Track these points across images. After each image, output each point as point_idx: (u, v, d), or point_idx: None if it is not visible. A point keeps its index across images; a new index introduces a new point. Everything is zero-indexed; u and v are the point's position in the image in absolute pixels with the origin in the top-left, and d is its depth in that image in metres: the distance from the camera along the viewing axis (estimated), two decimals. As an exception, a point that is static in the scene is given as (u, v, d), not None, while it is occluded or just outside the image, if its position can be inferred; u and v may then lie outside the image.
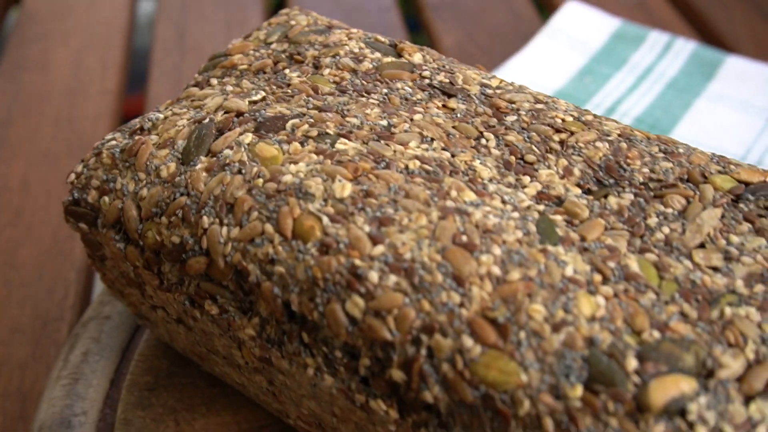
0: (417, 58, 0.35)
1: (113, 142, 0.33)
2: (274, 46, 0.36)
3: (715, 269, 0.26)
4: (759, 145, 0.54)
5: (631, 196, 0.29)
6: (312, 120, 0.31)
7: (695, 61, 0.62)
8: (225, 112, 0.32)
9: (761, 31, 0.67)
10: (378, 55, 0.35)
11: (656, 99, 0.59)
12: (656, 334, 0.24)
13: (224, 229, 0.29)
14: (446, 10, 0.70)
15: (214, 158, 0.30)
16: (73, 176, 0.33)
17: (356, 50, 0.35)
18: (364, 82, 0.34)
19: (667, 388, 0.23)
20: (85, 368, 0.39)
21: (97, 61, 0.66)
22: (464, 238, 0.26)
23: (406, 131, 0.31)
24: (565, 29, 0.66)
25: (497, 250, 0.26)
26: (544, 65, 0.62)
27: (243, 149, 0.30)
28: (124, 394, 0.37)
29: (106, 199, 0.32)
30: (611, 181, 0.29)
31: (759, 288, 0.25)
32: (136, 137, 0.32)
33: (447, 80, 0.34)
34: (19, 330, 0.45)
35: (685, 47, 0.63)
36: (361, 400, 0.27)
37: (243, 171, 0.29)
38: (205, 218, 0.29)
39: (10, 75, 0.66)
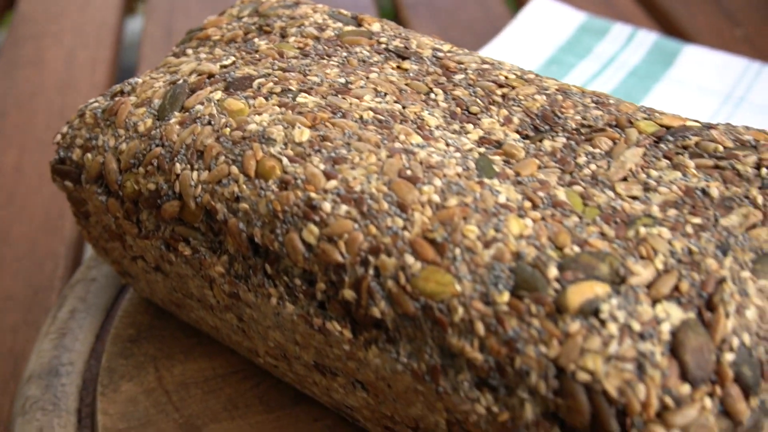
0: (375, 27, 0.38)
1: (95, 104, 0.36)
2: (245, 19, 0.39)
3: (635, 198, 0.29)
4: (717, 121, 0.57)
5: (564, 140, 0.32)
6: (276, 79, 0.34)
7: (656, 50, 0.65)
8: (198, 75, 0.35)
9: (720, 25, 0.71)
10: (340, 24, 0.38)
11: (618, 85, 0.62)
12: (576, 248, 0.27)
13: (195, 174, 0.32)
14: (421, 8, 0.74)
15: (187, 113, 0.33)
16: (59, 137, 0.36)
17: (320, 21, 0.38)
18: (325, 47, 0.37)
19: (582, 292, 0.26)
20: (72, 324, 0.42)
21: (87, 57, 0.70)
22: (408, 172, 0.29)
23: (362, 87, 0.34)
24: (533, 23, 0.69)
25: (438, 182, 0.29)
26: (512, 56, 0.65)
27: (213, 104, 0.33)
28: (108, 346, 0.40)
29: (89, 155, 0.35)
30: (546, 127, 0.32)
31: (672, 212, 0.28)
32: (117, 98, 0.35)
33: (402, 45, 0.37)
34: (11, 298, 0.47)
35: (647, 38, 0.67)
36: (318, 323, 0.30)
37: (212, 122, 0.32)
38: (177, 165, 0.32)
39: (6, 72, 0.69)
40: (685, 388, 0.24)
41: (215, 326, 0.37)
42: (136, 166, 0.33)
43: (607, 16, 0.72)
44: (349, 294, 0.28)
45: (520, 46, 0.66)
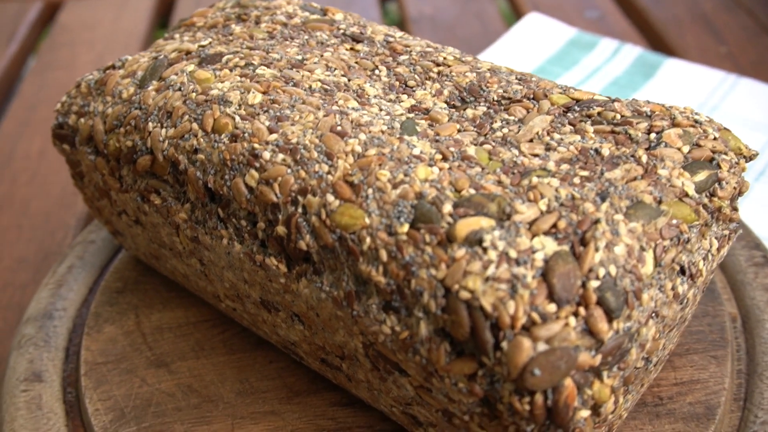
0: (338, 16, 0.43)
1: (90, 77, 0.41)
2: (227, 10, 0.45)
3: (536, 155, 0.33)
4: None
5: (484, 108, 0.36)
6: (242, 55, 0.39)
7: (639, 62, 0.69)
8: (177, 52, 0.41)
9: (706, 43, 0.74)
10: (307, 14, 0.43)
11: (599, 93, 0.66)
12: (472, 191, 0.31)
13: (163, 131, 0.37)
14: (425, 23, 0.79)
15: (163, 82, 0.39)
16: (59, 105, 0.42)
17: (290, 11, 0.43)
18: (291, 31, 0.42)
19: (470, 225, 0.30)
20: (69, 278, 0.47)
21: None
22: (339, 128, 0.34)
23: (315, 63, 0.39)
24: (525, 35, 0.74)
25: (363, 136, 0.33)
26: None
27: (185, 74, 0.38)
28: (97, 295, 0.45)
29: (82, 120, 0.40)
30: (472, 98, 0.37)
31: (565, 166, 0.32)
32: (107, 71, 0.41)
33: (358, 31, 0.42)
34: (24, 260, 0.53)
35: (632, 51, 0.71)
36: (259, 259, 0.34)
37: (182, 89, 0.38)
38: (150, 124, 0.37)
39: (40, 72, 0.76)
40: (551, 307, 0.28)
41: (185, 274, 0.42)
42: (118, 126, 0.38)
43: (602, 34, 0.76)
44: (281, 230, 0.33)
45: (509, 56, 0.71)
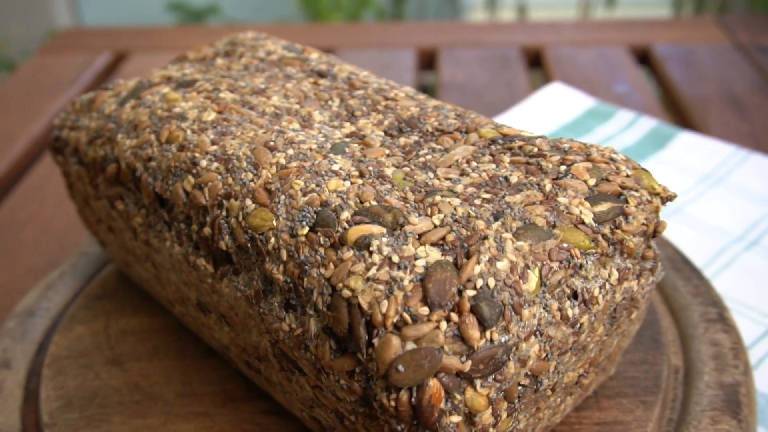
0: (313, 56, 0.47)
1: (85, 96, 0.46)
2: (219, 47, 0.49)
3: (449, 179, 0.35)
4: (690, 200, 0.61)
5: (416, 138, 0.38)
6: (213, 82, 0.43)
7: (652, 133, 0.70)
8: (161, 77, 0.45)
9: (729, 119, 0.74)
10: (285, 52, 0.47)
11: (606, 159, 0.67)
12: (374, 203, 0.33)
13: (128, 141, 0.40)
14: (455, 89, 0.82)
15: (139, 100, 0.43)
16: (57, 120, 0.47)
17: (271, 49, 0.47)
18: (264, 65, 0.45)
19: (361, 231, 0.32)
20: (58, 282, 0.51)
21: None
22: (272, 143, 0.37)
23: (275, 91, 0.42)
24: (544, 102, 0.76)
25: (290, 152, 0.36)
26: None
27: (158, 95, 0.42)
28: (78, 300, 0.49)
29: (72, 133, 0.45)
30: (408, 129, 0.39)
31: (471, 189, 0.34)
32: (99, 91, 0.45)
33: (325, 68, 0.45)
34: (32, 270, 0.57)
35: (648, 123, 0.71)
36: (192, 260, 0.37)
37: (151, 106, 0.42)
38: (119, 135, 0.41)
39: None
40: (424, 310, 0.29)
41: (146, 279, 0.45)
42: (96, 138, 0.43)
43: (627, 107, 0.77)
44: (207, 231, 0.36)
45: (524, 120, 0.73)
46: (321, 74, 0.44)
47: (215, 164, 0.36)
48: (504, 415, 0.32)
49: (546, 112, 0.75)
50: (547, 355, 0.32)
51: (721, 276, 0.53)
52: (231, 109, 0.40)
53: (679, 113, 0.78)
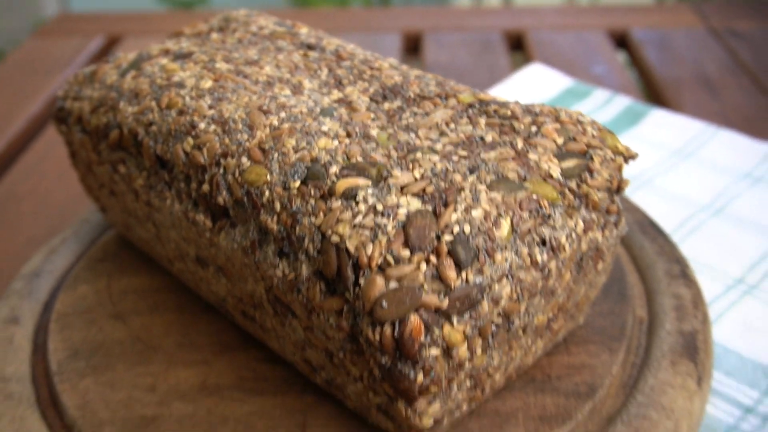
0: (303, 30, 0.50)
1: (87, 69, 0.49)
2: (214, 23, 0.52)
3: (429, 139, 0.38)
4: (661, 172, 0.64)
5: (399, 103, 0.41)
6: (209, 54, 0.46)
7: (626, 111, 0.73)
8: (159, 50, 0.48)
9: (701, 99, 0.78)
10: (276, 27, 0.50)
11: (582, 135, 0.70)
12: (360, 159, 0.36)
13: (130, 108, 0.43)
14: (438, 70, 0.85)
15: (140, 71, 0.46)
16: (60, 92, 0.49)
17: (263, 24, 0.50)
18: (257, 39, 0.48)
19: (348, 183, 0.35)
20: (61, 247, 0.54)
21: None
22: (265, 107, 0.40)
23: (267, 62, 0.45)
24: (524, 82, 0.79)
25: (283, 114, 0.39)
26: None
27: (158, 66, 0.45)
28: (81, 262, 0.52)
29: (75, 104, 0.47)
30: (392, 96, 0.42)
31: (449, 148, 0.37)
32: (100, 64, 0.48)
33: (314, 41, 0.48)
34: (33, 239, 0.60)
35: (622, 101, 0.75)
36: (192, 217, 0.40)
37: (152, 76, 0.44)
38: (121, 103, 0.44)
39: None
40: (405, 252, 0.33)
41: (147, 240, 0.48)
42: (99, 107, 0.45)
43: (603, 87, 0.80)
44: (206, 188, 0.39)
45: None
46: (310, 47, 0.47)
47: (213, 126, 0.39)
48: (479, 351, 0.35)
49: (526, 90, 0.78)
50: (518, 297, 0.35)
51: (687, 240, 0.56)
52: (226, 77, 0.43)
53: (654, 94, 0.82)
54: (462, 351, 0.34)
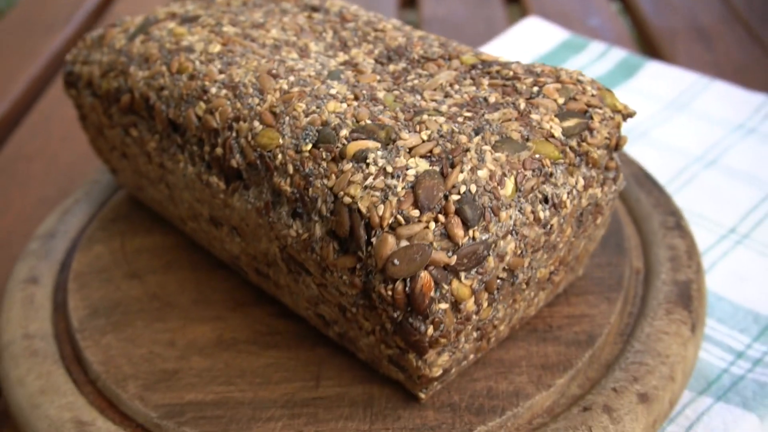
0: (306, -8, 0.50)
1: (94, 33, 0.49)
2: (217, -15, 0.52)
3: (434, 100, 0.39)
4: (656, 125, 0.65)
5: (404, 65, 0.43)
6: (215, 17, 0.47)
7: (622, 64, 0.74)
8: (165, 14, 0.48)
9: (695, 50, 0.79)
10: (280, -11, 0.51)
11: (579, 88, 0.71)
12: (368, 122, 0.37)
13: (140, 72, 0.44)
14: (435, 23, 0.85)
15: (148, 35, 0.46)
16: (69, 56, 0.50)
17: (267, -14, 0.51)
18: (261, 1, 0.49)
19: (358, 145, 0.36)
20: (74, 208, 0.55)
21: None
22: (274, 71, 0.41)
23: (273, 25, 0.46)
24: (521, 36, 0.80)
25: (291, 78, 0.40)
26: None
27: (165, 30, 0.46)
28: (94, 223, 0.53)
29: (85, 67, 0.48)
30: (396, 57, 0.43)
31: (454, 109, 0.39)
32: (107, 28, 0.49)
33: (317, 2, 0.49)
34: (45, 199, 0.62)
35: (618, 54, 0.76)
36: (205, 178, 0.42)
37: (160, 40, 0.45)
38: (131, 68, 0.45)
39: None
40: (415, 213, 0.34)
41: (159, 200, 0.49)
42: (109, 71, 0.46)
43: (599, 40, 0.81)
44: (219, 151, 0.40)
45: (502, 53, 0.77)
46: (314, 8, 0.48)
47: (224, 91, 0.40)
48: (485, 304, 0.37)
49: (523, 44, 0.78)
50: (522, 252, 0.37)
51: (681, 192, 0.58)
52: (234, 41, 0.44)
53: (649, 45, 0.83)
54: (469, 304, 0.36)
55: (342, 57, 0.43)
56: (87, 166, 0.65)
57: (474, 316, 0.37)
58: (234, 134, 0.39)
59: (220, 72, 0.41)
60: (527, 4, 0.91)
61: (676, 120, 0.66)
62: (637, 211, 0.51)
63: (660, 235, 0.49)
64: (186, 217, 0.47)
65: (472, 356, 0.40)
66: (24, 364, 0.43)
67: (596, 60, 0.75)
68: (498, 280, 0.37)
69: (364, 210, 0.34)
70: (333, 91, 0.39)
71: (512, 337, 0.43)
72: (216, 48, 0.43)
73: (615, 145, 0.40)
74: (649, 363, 0.41)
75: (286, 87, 0.40)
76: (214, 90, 0.41)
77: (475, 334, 0.38)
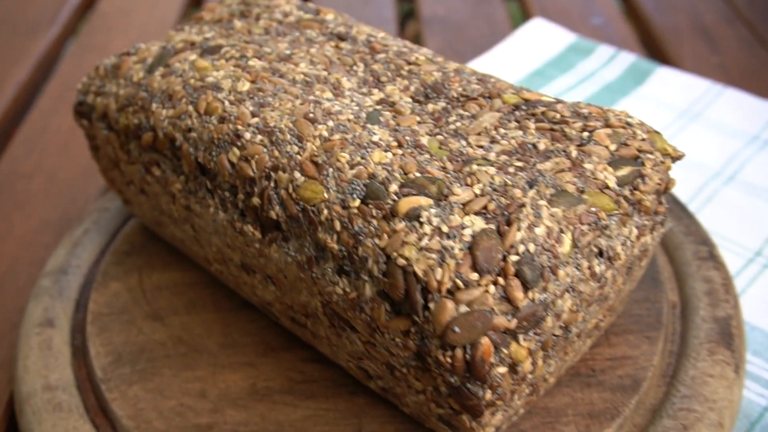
0: (329, 17, 0.48)
1: (107, 61, 0.47)
2: (233, 6, 0.50)
3: (480, 146, 0.38)
4: (669, 135, 0.64)
5: (443, 104, 0.41)
6: (238, 48, 0.45)
7: (632, 69, 0.73)
8: (183, 42, 0.46)
9: (701, 52, 0.78)
10: (301, 13, 0.48)
11: (590, 97, 0.70)
12: (417, 174, 0.36)
13: (164, 111, 0.42)
14: (437, 23, 0.83)
15: (168, 68, 0.44)
16: (80, 85, 0.48)
17: (287, 10, 0.49)
18: (284, 28, 0.47)
19: (410, 202, 0.35)
20: (84, 239, 0.53)
21: (145, 47, 0.82)
22: (311, 115, 0.39)
23: (301, 57, 0.44)
24: (527, 39, 0.78)
25: (331, 123, 0.38)
26: (501, 66, 0.74)
27: (187, 63, 0.44)
28: (107, 256, 0.51)
29: (99, 99, 0.46)
30: (434, 95, 0.42)
31: (503, 157, 0.37)
32: (122, 57, 0.46)
33: (344, 30, 0.47)
34: (48, 223, 0.59)
35: (627, 59, 0.75)
36: (239, 226, 0.40)
37: (183, 75, 0.43)
38: (154, 105, 0.43)
39: (78, 55, 0.82)
40: (474, 275, 0.33)
41: (181, 239, 0.47)
42: (128, 106, 0.44)
43: (605, 41, 0.80)
44: (256, 201, 0.38)
45: (510, 58, 0.75)
46: (341, 37, 0.46)
47: (259, 137, 0.39)
48: (540, 362, 0.36)
49: (529, 48, 0.77)
50: (577, 308, 0.36)
51: (703, 211, 0.57)
52: (263, 78, 0.42)
53: (653, 45, 0.82)
54: (526, 365, 0.35)
55: (377, 95, 0.41)
56: (87, 183, 0.63)
57: (529, 376, 0.36)
58: (272, 184, 0.37)
59: (253, 115, 0.39)
60: (527, 1, 0.89)
61: (690, 131, 0.66)
62: (669, 240, 0.51)
63: (694, 267, 0.48)
64: (212, 260, 0.45)
65: (521, 410, 0.39)
66: (48, 420, 0.41)
67: (605, 65, 0.74)
68: (553, 337, 0.36)
69: (420, 273, 0.33)
70: (375, 138, 0.38)
71: (556, 382, 0.42)
72: (245, 86, 0.41)
73: (664, 189, 0.39)
74: (698, 409, 0.40)
75: (326, 134, 0.38)
76: (248, 135, 0.39)
77: (527, 390, 0.37)
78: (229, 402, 0.41)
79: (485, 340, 0.33)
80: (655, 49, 0.81)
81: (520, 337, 0.34)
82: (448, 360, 0.33)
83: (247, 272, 0.42)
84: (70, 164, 0.65)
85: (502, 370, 0.34)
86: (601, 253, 0.36)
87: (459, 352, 0.33)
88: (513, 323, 0.33)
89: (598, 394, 0.41)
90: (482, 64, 0.74)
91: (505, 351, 0.33)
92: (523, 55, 0.76)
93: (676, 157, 0.39)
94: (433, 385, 0.35)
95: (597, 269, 0.36)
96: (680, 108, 0.68)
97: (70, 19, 0.90)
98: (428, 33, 0.82)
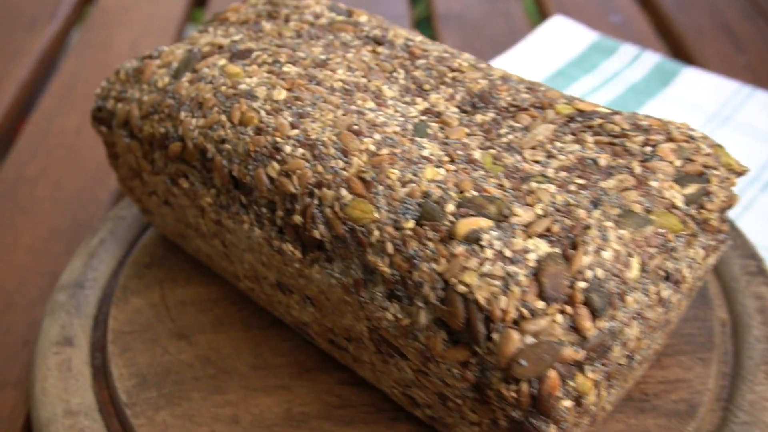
0: (362, 18, 0.46)
1: (128, 65, 0.44)
2: (259, 7, 0.47)
3: (537, 162, 0.36)
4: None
5: (493, 115, 0.38)
6: (270, 52, 0.42)
7: (657, 70, 0.71)
8: (210, 46, 0.43)
9: (725, 52, 0.76)
10: (334, 15, 0.46)
11: (615, 98, 0.68)
12: (474, 193, 0.33)
13: (194, 120, 0.39)
14: (452, 20, 0.81)
15: (196, 74, 0.41)
16: (98, 89, 0.45)
17: (318, 11, 0.46)
18: (317, 31, 0.44)
19: (469, 224, 0.32)
20: (100, 250, 0.50)
21: (150, 44, 0.79)
22: (356, 127, 0.36)
23: (337, 63, 0.41)
24: (548, 38, 0.76)
25: (377, 136, 0.36)
26: (523, 66, 0.72)
27: (216, 68, 0.41)
28: (126, 269, 0.48)
29: (119, 105, 0.43)
30: (482, 105, 0.39)
31: (563, 174, 0.35)
32: (145, 61, 0.44)
33: (380, 33, 0.44)
34: (57, 231, 0.56)
35: (651, 58, 0.72)
36: (277, 245, 0.37)
37: (213, 82, 0.40)
38: (182, 113, 0.40)
39: (80, 52, 0.79)
40: (540, 304, 0.30)
41: (208, 254, 0.45)
42: (153, 114, 0.41)
43: (624, 39, 0.78)
44: (298, 219, 0.36)
45: (532, 58, 0.73)
46: (377, 41, 0.44)
47: (300, 150, 0.36)
48: (604, 393, 0.33)
49: (551, 47, 0.75)
50: (644, 335, 0.33)
51: (742, 219, 0.55)
52: (299, 85, 0.39)
53: (674, 44, 0.79)
54: (591, 397, 0.32)
55: (421, 104, 0.39)
56: (97, 188, 0.60)
57: (592, 408, 0.34)
58: (316, 202, 0.35)
59: (293, 126, 0.37)
60: (544, -3, 0.86)
61: (721, 135, 0.64)
62: (715, 253, 0.49)
63: (743, 283, 0.46)
64: (243, 276, 0.43)
65: (579, 441, 0.37)
66: (71, 448, 0.39)
67: (629, 65, 0.72)
68: (618, 366, 0.33)
69: (482, 302, 0.31)
70: (425, 152, 0.35)
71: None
72: (281, 94, 0.39)
73: (727, 206, 0.37)
74: (759, 437, 0.38)
75: (373, 148, 0.35)
76: (288, 149, 0.36)
77: (587, 421, 0.35)
78: (264, 429, 0.39)
79: (553, 374, 0.30)
80: (677, 48, 0.79)
81: (587, 368, 0.31)
82: (513, 394, 0.31)
83: (283, 292, 0.40)
84: (78, 168, 0.62)
85: (568, 404, 0.31)
86: (668, 277, 0.34)
87: (524, 386, 0.30)
88: (581, 354, 0.31)
89: (653, 420, 0.39)
90: (504, 63, 0.72)
91: (571, 383, 0.31)
92: (544, 55, 0.73)
93: (741, 172, 0.37)
94: (491, 418, 0.33)
95: (664, 294, 0.33)
96: (710, 111, 0.66)
97: (70, 14, 0.87)
98: (444, 30, 0.79)
